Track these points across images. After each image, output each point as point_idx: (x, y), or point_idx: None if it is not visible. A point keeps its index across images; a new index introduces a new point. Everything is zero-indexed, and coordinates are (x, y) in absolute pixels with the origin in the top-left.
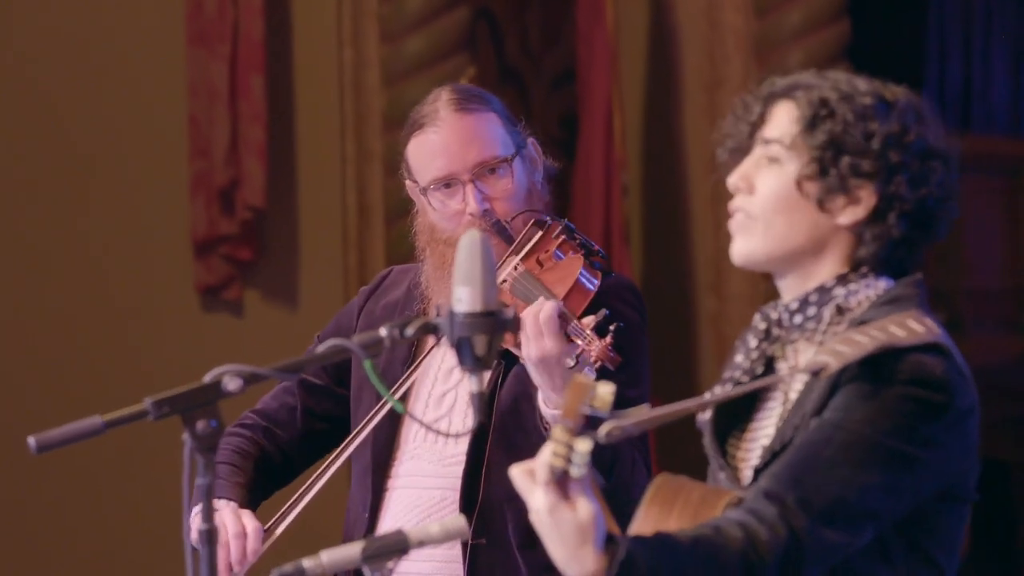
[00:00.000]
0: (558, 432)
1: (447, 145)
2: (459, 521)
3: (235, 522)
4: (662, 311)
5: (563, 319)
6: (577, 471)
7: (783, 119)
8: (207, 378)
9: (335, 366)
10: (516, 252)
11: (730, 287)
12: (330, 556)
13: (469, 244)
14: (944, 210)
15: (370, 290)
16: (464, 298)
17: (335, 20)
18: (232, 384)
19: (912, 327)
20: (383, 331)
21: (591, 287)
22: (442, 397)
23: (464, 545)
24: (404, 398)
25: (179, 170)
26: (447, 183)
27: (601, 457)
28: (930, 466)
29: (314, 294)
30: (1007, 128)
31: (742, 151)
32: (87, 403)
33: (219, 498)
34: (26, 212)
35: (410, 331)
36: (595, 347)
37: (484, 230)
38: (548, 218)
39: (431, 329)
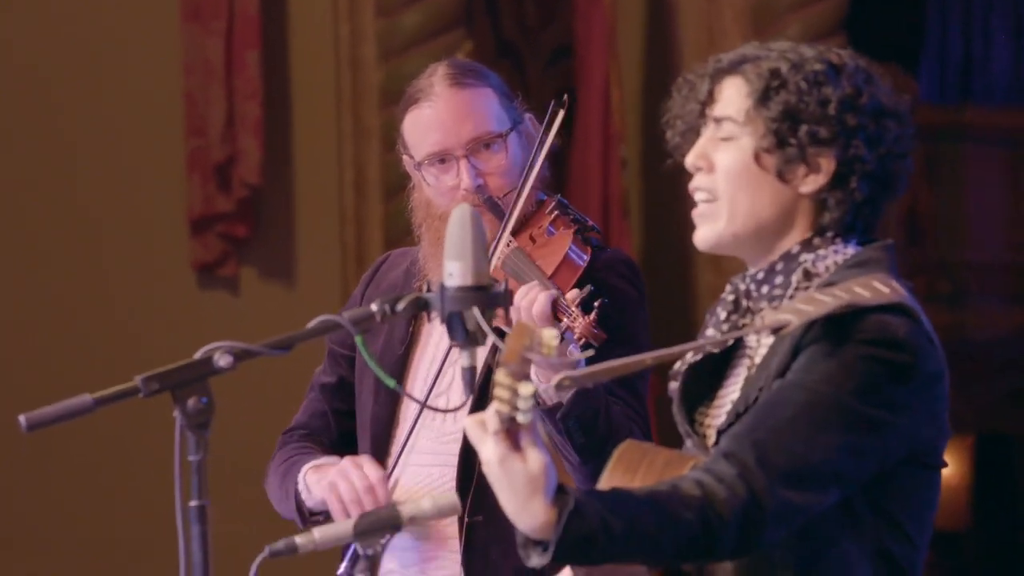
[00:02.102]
0: (501, 376)
1: (442, 120)
2: (451, 497)
3: (360, 475)
4: (661, 285)
5: (553, 304)
6: (523, 417)
7: (733, 95)
8: (198, 355)
9: (347, 360)
10: (509, 228)
11: (729, 261)
12: (322, 532)
13: (460, 218)
14: (902, 167)
15: (369, 277)
16: (455, 272)
17: None
18: (223, 360)
19: (877, 288)
20: (374, 306)
21: (580, 262)
22: (443, 372)
23: (460, 522)
24: (402, 376)
25: (175, 147)
26: (442, 158)
27: (594, 428)
28: (896, 429)
29: (311, 271)
30: (1008, 99)
31: (694, 131)
32: (82, 382)
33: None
34: (22, 190)
35: (401, 306)
36: (579, 324)
37: (476, 206)
38: (543, 194)
39: (422, 304)
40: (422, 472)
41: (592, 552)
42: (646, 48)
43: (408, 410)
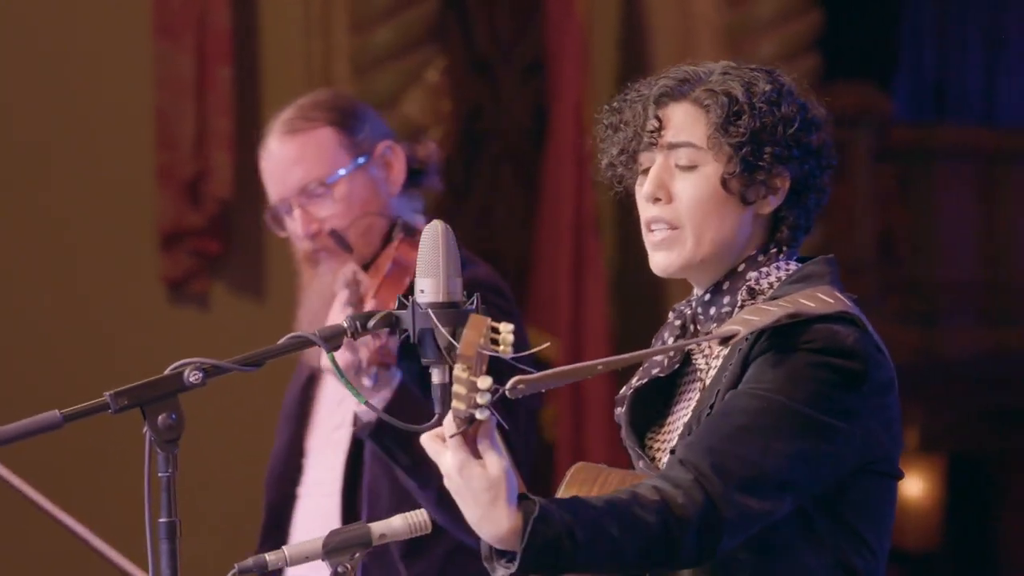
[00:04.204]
0: (458, 371)
1: (272, 171)
2: (422, 515)
3: None
4: (633, 303)
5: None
6: (482, 413)
7: (685, 121)
8: (168, 371)
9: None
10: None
11: None
12: (292, 550)
13: (432, 235)
14: (831, 179)
15: None
16: (427, 289)
17: (303, 10)
18: (193, 377)
19: (822, 299)
20: (345, 323)
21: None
22: (340, 405)
23: None
24: (305, 411)
25: (145, 162)
26: (282, 208)
27: (414, 447)
28: (848, 436)
29: (281, 288)
30: (982, 118)
31: (633, 159)
32: (51, 397)
33: None
34: None
35: (372, 323)
36: (365, 352)
37: (327, 247)
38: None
39: (393, 321)
40: (323, 503)
41: (558, 559)
42: (620, 65)
43: (314, 441)
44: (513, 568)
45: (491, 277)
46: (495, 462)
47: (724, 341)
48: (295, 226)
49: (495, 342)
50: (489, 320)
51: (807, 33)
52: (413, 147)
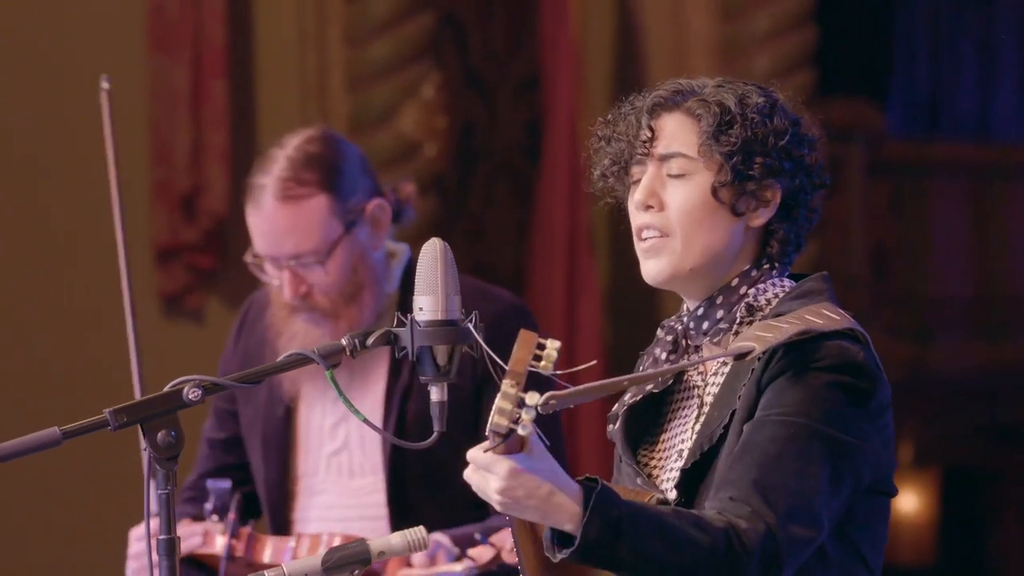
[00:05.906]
0: (507, 386)
1: (265, 232)
2: (420, 532)
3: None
4: (627, 318)
5: None
6: (524, 429)
7: (677, 131)
8: (167, 388)
9: (233, 417)
10: None
11: None
12: (290, 567)
13: (431, 253)
14: (822, 199)
15: (238, 327)
16: (425, 307)
17: (298, 24)
18: (192, 394)
19: (828, 315)
20: (344, 340)
21: None
22: (335, 428)
23: None
24: (288, 437)
25: (140, 177)
26: (268, 261)
27: None
28: (864, 454)
29: None
30: (975, 134)
31: (624, 170)
32: (47, 413)
33: None
34: None
35: (371, 341)
36: None
37: (309, 306)
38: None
39: (391, 338)
40: (339, 527)
41: (617, 543)
42: (614, 81)
43: (307, 465)
44: (576, 539)
45: (511, 305)
46: (539, 463)
47: (739, 358)
48: (281, 280)
49: (538, 358)
50: (537, 337)
51: (802, 49)
52: (397, 192)
